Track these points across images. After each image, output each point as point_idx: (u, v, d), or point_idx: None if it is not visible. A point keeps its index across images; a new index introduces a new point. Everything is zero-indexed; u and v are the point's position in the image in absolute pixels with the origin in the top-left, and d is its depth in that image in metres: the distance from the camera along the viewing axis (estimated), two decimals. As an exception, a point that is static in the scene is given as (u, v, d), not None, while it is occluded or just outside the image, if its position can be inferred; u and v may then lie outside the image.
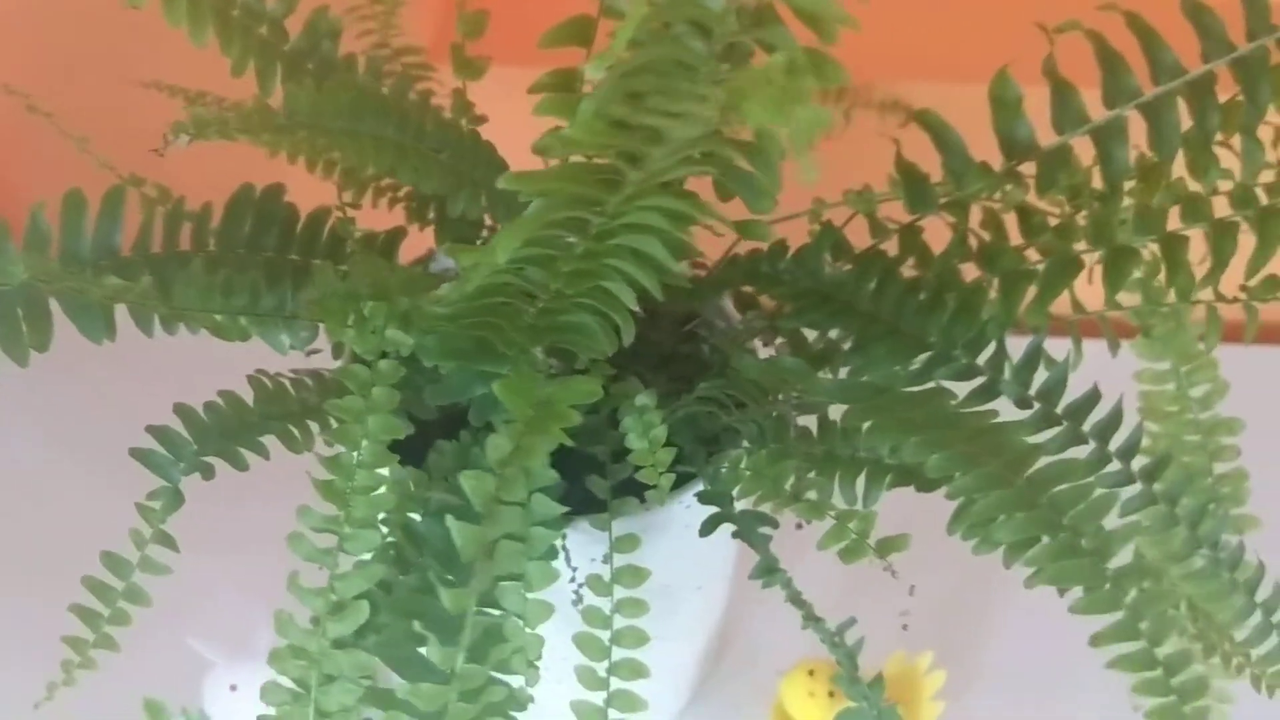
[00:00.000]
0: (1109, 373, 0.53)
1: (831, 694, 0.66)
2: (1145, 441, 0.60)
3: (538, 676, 0.51)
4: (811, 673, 0.67)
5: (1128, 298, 0.55)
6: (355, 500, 0.46)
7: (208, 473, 0.49)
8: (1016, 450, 0.42)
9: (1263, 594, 0.52)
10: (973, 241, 0.54)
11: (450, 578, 0.53)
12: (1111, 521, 0.51)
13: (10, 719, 0.63)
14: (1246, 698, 0.56)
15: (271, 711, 0.47)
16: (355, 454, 0.47)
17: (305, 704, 0.46)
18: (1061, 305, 0.57)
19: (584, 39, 0.39)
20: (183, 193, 0.55)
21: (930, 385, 0.48)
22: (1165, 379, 0.58)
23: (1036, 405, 0.51)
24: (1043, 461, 0.41)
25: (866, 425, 0.43)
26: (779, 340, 0.58)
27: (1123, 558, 0.39)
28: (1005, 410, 0.51)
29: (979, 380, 0.51)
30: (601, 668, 0.55)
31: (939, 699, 0.66)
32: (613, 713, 0.56)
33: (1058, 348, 0.53)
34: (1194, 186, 0.52)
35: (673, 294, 0.60)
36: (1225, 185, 0.52)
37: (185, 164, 0.52)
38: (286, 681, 0.46)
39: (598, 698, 0.55)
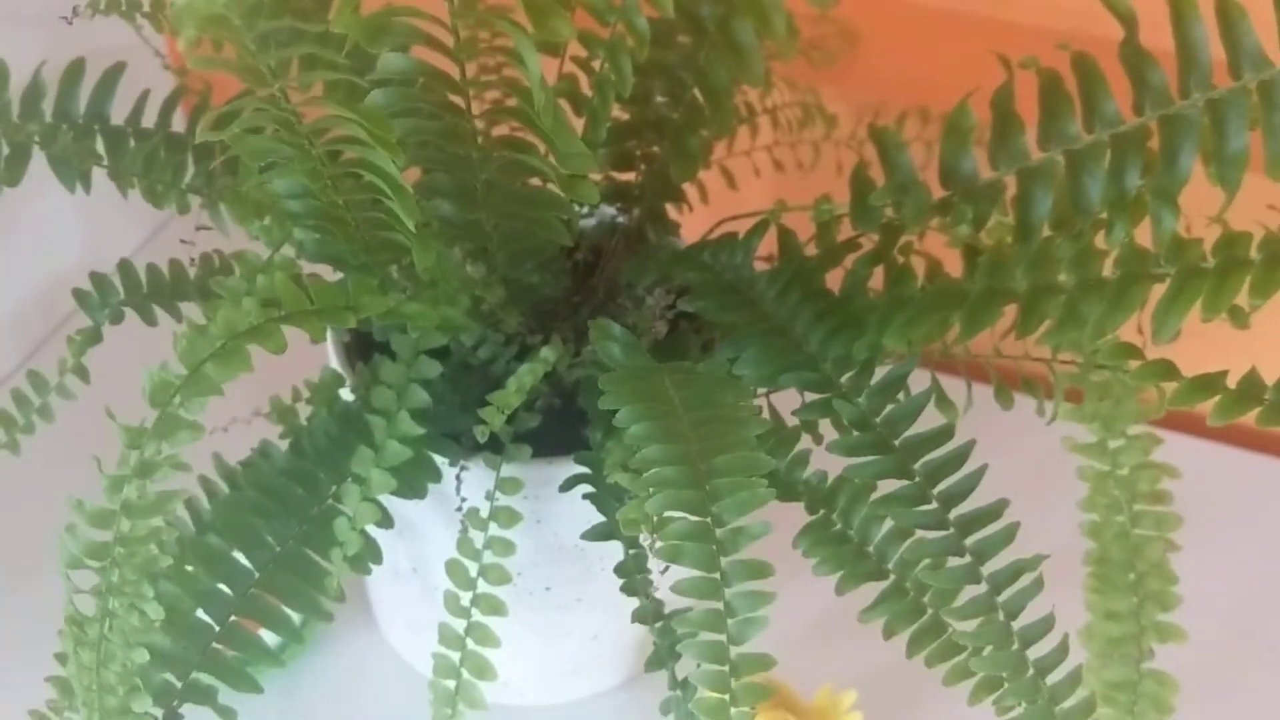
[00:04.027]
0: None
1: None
2: (1086, 517, 0.57)
3: (345, 570, 0.54)
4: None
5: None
6: (206, 368, 0.51)
7: (117, 318, 0.55)
8: (736, 443, 0.42)
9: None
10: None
11: (322, 473, 0.57)
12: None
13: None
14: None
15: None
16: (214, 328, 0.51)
17: (110, 548, 0.51)
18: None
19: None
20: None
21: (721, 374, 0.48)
22: (1094, 453, 0.54)
23: (876, 429, 0.49)
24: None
25: (604, 394, 0.44)
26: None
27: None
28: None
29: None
30: (466, 597, 0.58)
31: (853, 738, 0.64)
32: (470, 643, 0.58)
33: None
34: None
35: (641, 267, 0.62)
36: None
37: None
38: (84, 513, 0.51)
39: (459, 625, 0.58)
